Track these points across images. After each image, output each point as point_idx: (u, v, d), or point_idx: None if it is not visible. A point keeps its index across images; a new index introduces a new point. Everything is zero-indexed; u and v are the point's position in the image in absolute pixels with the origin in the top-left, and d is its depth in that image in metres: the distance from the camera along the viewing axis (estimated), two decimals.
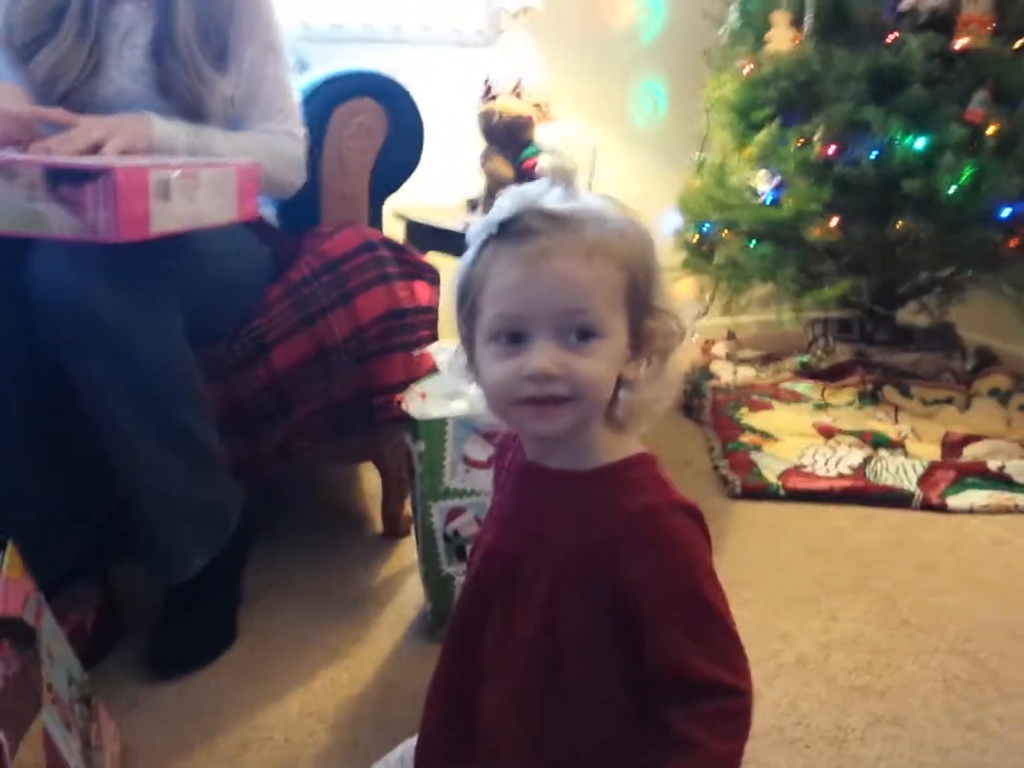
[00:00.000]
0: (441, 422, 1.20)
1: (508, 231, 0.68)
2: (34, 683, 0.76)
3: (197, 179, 1.08)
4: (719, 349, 2.53)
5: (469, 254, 0.72)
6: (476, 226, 0.71)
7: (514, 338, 0.68)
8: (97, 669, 1.15)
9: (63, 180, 0.94)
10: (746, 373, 2.36)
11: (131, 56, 1.29)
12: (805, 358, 2.37)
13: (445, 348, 1.31)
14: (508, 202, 0.69)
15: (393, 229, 1.86)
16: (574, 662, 0.72)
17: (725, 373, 2.35)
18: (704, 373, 2.34)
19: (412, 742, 0.88)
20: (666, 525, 0.70)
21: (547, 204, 0.68)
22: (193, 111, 1.30)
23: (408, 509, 1.55)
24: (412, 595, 1.39)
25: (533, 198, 0.69)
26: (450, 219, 2.00)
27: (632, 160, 2.46)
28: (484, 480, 1.22)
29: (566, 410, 0.68)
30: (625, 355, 0.70)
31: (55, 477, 1.18)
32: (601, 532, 0.70)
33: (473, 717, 0.79)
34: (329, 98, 1.54)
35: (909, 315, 2.46)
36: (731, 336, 2.61)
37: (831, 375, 2.25)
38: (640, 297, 0.70)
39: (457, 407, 1.29)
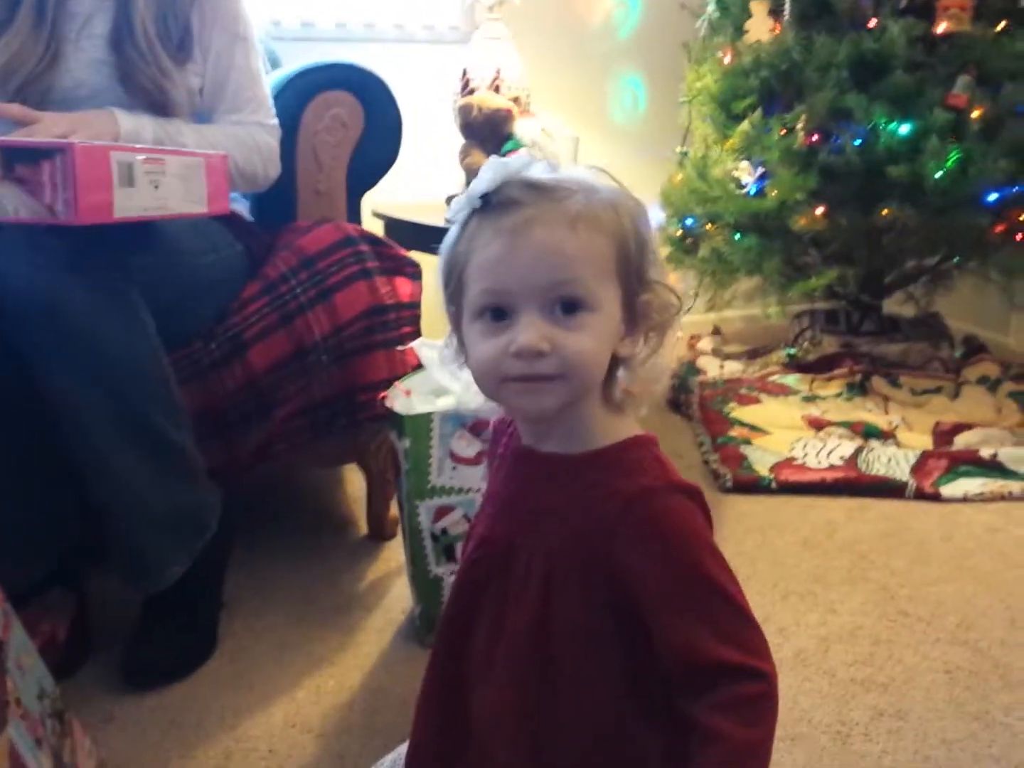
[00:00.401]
0: (427, 418, 1.16)
1: (491, 203, 0.66)
2: None
3: (163, 166, 1.04)
4: (704, 344, 2.51)
5: (453, 231, 0.69)
6: (458, 201, 0.68)
7: (499, 314, 0.65)
8: (70, 682, 1.11)
9: (18, 159, 0.89)
10: (733, 367, 2.33)
11: (90, 47, 1.25)
12: (792, 351, 2.35)
13: (429, 344, 1.28)
14: (489, 173, 0.66)
15: (372, 229, 1.82)
16: (569, 653, 0.69)
17: (711, 368, 2.33)
18: (690, 368, 2.31)
19: (403, 748, 0.84)
20: (664, 507, 0.66)
21: (530, 174, 0.66)
22: (157, 103, 1.26)
23: (394, 511, 1.51)
24: (399, 599, 1.35)
25: (516, 169, 0.66)
26: (430, 216, 1.97)
27: (612, 154, 2.42)
28: (472, 477, 1.18)
29: (556, 387, 0.64)
30: (619, 331, 0.67)
31: (22, 485, 1.13)
32: (596, 516, 0.67)
33: (466, 716, 0.75)
34: (302, 90, 1.51)
35: (895, 305, 2.44)
36: (716, 331, 2.59)
37: (819, 367, 2.23)
38: (632, 269, 0.67)
39: (443, 403, 1.26)
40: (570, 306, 0.64)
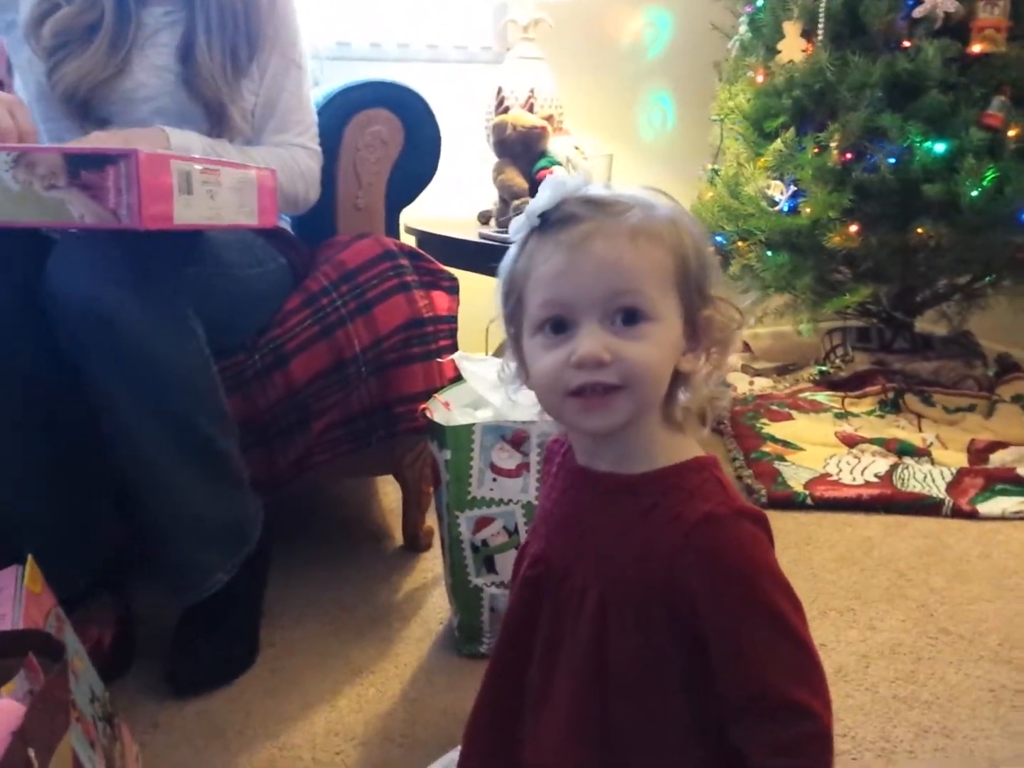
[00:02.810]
0: (468, 429, 1.17)
1: (550, 220, 0.66)
2: (62, 700, 0.73)
3: (218, 176, 1.06)
4: (734, 360, 2.51)
5: (512, 250, 0.70)
6: (517, 221, 0.69)
7: (560, 326, 0.65)
8: (115, 688, 1.11)
9: (84, 165, 0.91)
10: (762, 383, 2.34)
11: (155, 54, 1.29)
12: (823, 367, 2.35)
13: (469, 357, 1.29)
14: (548, 192, 0.67)
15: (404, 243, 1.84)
16: (628, 682, 0.67)
17: (741, 384, 2.33)
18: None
19: (451, 756, 0.84)
20: (730, 535, 0.65)
21: (589, 191, 0.67)
22: (215, 114, 1.30)
23: (429, 522, 1.52)
24: (436, 609, 1.35)
25: (574, 187, 0.67)
26: (462, 231, 1.99)
27: (643, 171, 2.44)
28: (512, 489, 1.19)
29: (618, 401, 0.64)
30: (680, 345, 0.67)
31: (65, 492, 1.15)
32: (657, 541, 0.66)
33: (518, 740, 0.75)
34: (344, 108, 1.53)
35: (927, 323, 2.44)
36: (746, 348, 2.59)
37: (851, 384, 2.22)
38: (693, 283, 0.67)
39: (482, 415, 1.27)
40: (631, 317, 0.64)
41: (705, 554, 0.64)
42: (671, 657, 0.66)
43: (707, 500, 0.66)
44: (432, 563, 1.48)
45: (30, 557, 0.91)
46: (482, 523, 1.20)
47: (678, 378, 0.68)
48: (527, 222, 0.68)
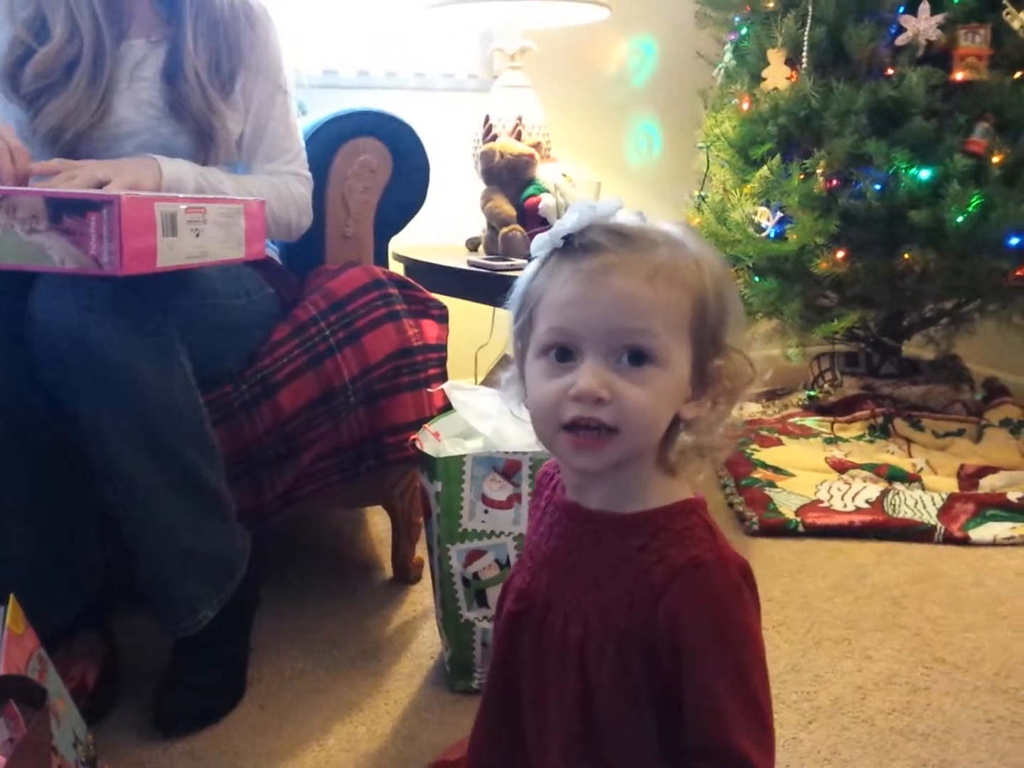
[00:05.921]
0: (459, 460, 1.16)
1: (572, 245, 0.65)
2: (43, 748, 0.71)
3: (204, 214, 1.05)
4: (738, 415, 2.50)
5: (532, 266, 0.69)
6: (540, 239, 0.68)
7: (564, 355, 0.64)
8: (100, 728, 1.09)
9: (66, 210, 0.90)
10: (751, 409, 2.33)
11: (139, 88, 1.28)
12: (812, 392, 2.35)
13: (460, 386, 1.28)
14: (575, 215, 0.65)
15: (394, 271, 1.83)
16: (611, 721, 0.67)
17: None
18: None
19: None
20: (713, 582, 0.64)
21: (616, 220, 0.65)
22: (205, 135, 1.29)
23: (419, 554, 1.51)
24: (427, 643, 1.33)
25: (603, 214, 0.65)
26: (449, 259, 1.99)
27: (629, 198, 2.40)
28: (504, 521, 1.18)
29: (611, 445, 0.63)
30: (685, 392, 0.66)
31: (48, 527, 1.12)
32: (642, 583, 0.65)
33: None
34: (332, 137, 1.53)
35: (915, 348, 2.45)
36: None
37: (839, 409, 2.23)
38: (707, 330, 0.66)
39: (472, 446, 1.26)
40: (637, 357, 0.63)
41: (688, 599, 0.64)
42: (646, 693, 0.66)
43: (696, 544, 0.66)
44: (422, 595, 1.46)
45: (12, 597, 0.89)
46: (473, 556, 1.18)
47: (678, 423, 0.67)
48: (550, 241, 0.66)
